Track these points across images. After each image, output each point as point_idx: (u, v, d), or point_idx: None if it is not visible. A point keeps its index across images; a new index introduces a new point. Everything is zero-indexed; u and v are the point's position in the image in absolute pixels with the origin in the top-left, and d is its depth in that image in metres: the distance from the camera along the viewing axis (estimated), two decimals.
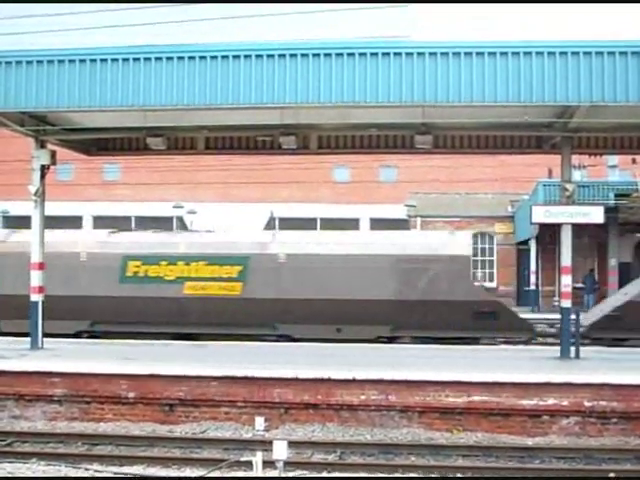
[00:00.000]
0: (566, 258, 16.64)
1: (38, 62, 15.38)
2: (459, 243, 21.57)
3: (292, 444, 11.20)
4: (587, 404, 13.30)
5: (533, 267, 37.65)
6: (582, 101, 14.52)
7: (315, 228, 35.39)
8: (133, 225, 40.83)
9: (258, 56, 14.81)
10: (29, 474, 11.11)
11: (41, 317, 17.45)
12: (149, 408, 14.12)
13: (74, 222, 39.50)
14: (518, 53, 14.42)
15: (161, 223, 36.10)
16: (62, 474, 11.17)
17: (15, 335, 19.57)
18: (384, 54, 14.61)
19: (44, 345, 17.49)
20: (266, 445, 11.30)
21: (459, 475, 11.31)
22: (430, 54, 14.54)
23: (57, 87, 15.32)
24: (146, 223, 35.35)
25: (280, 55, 14.77)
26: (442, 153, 20.29)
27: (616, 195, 31.82)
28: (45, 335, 17.94)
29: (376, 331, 20.73)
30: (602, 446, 12.74)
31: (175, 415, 14.04)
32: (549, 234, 33.72)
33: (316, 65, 14.71)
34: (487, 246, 40.68)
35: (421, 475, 11.29)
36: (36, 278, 17.57)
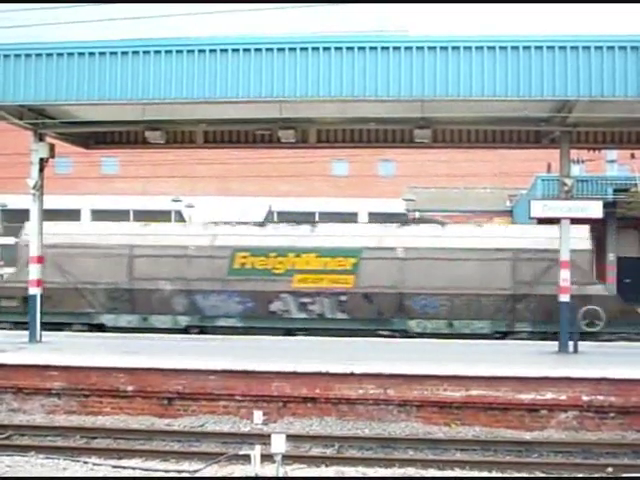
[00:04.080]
0: (565, 253, 16.65)
1: (37, 55, 15.33)
2: (580, 237, 20.79)
3: (290, 438, 11.20)
4: (585, 398, 13.32)
5: None
6: (581, 96, 14.51)
7: (314, 222, 35.34)
8: (131, 218, 40.83)
9: (257, 50, 14.79)
10: (27, 467, 11.12)
11: (39, 310, 17.42)
12: (147, 401, 14.13)
13: (72, 215, 39.53)
14: (517, 47, 14.39)
15: (159, 216, 36.10)
16: (60, 467, 11.18)
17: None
18: (383, 48, 14.59)
19: (42, 338, 17.48)
20: (264, 439, 11.31)
21: (457, 469, 11.33)
22: (429, 48, 14.52)
23: (56, 80, 15.29)
24: (144, 216, 35.33)
25: (279, 49, 14.75)
26: (441, 147, 20.29)
27: (615, 190, 31.73)
28: (151, 330, 18.81)
29: (493, 326, 20.59)
30: (600, 440, 12.78)
31: (174, 408, 14.05)
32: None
33: (315, 59, 14.67)
34: None
35: (419, 469, 11.30)
36: (35, 271, 17.55)
